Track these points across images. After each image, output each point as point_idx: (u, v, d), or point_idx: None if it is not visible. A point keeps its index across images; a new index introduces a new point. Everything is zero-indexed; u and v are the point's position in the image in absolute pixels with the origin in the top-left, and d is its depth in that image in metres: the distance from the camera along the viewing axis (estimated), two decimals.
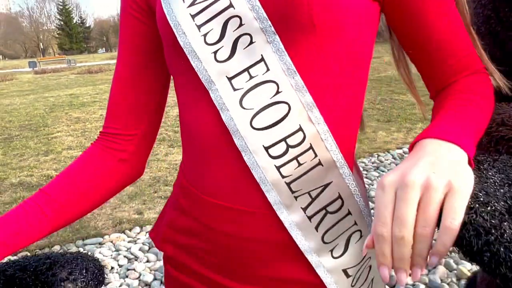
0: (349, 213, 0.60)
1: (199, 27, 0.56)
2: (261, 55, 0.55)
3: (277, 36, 0.54)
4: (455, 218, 0.40)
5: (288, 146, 0.56)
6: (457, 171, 0.44)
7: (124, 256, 2.72)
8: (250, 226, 0.60)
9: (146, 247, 2.82)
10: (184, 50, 0.57)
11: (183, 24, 0.57)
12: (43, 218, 0.63)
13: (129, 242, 2.92)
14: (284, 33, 0.54)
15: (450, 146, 0.47)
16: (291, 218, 0.59)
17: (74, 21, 73.41)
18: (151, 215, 3.30)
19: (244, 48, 0.56)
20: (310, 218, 0.59)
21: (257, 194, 0.58)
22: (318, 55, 0.55)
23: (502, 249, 0.38)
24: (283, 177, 0.57)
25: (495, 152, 0.69)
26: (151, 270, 2.54)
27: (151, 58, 0.68)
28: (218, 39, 0.56)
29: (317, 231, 0.59)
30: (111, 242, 2.93)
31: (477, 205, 0.41)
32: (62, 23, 71.46)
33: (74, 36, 70.51)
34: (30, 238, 0.62)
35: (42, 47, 66.43)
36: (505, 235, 0.38)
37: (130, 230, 3.09)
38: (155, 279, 2.45)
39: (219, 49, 0.56)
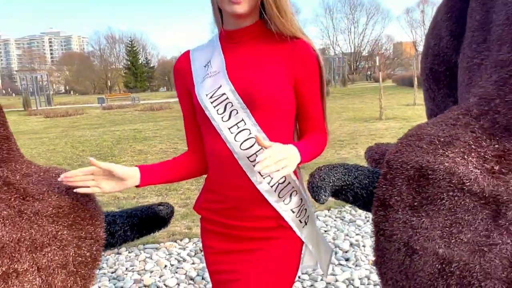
0: (289, 183, 1.27)
1: (214, 107, 1.26)
2: (242, 118, 1.24)
3: (247, 109, 1.23)
4: (284, 171, 1.07)
5: (257, 156, 1.24)
6: (291, 159, 1.10)
7: (175, 258, 3.42)
8: (244, 191, 1.27)
9: (193, 253, 3.51)
10: (208, 116, 1.27)
11: (207, 105, 1.26)
12: (162, 178, 1.33)
13: (179, 248, 3.64)
14: (250, 107, 1.23)
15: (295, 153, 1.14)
16: (262, 187, 1.25)
17: (140, 61, 78.38)
18: (197, 230, 3.99)
19: (234, 115, 1.25)
20: (271, 186, 1.26)
21: (246, 177, 1.25)
22: (265, 116, 1.23)
23: (315, 184, 1.04)
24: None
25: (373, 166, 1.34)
26: (195, 269, 3.22)
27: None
28: (223, 112, 1.25)
29: (275, 192, 1.26)
30: (165, 248, 3.65)
31: (314, 174, 1.08)
32: (129, 63, 76.49)
33: (139, 75, 74.83)
34: (155, 182, 1.32)
35: (109, 84, 71.38)
36: (315, 181, 1.04)
37: (181, 240, 3.81)
38: (197, 275, 3.12)
39: (223, 116, 1.25)
